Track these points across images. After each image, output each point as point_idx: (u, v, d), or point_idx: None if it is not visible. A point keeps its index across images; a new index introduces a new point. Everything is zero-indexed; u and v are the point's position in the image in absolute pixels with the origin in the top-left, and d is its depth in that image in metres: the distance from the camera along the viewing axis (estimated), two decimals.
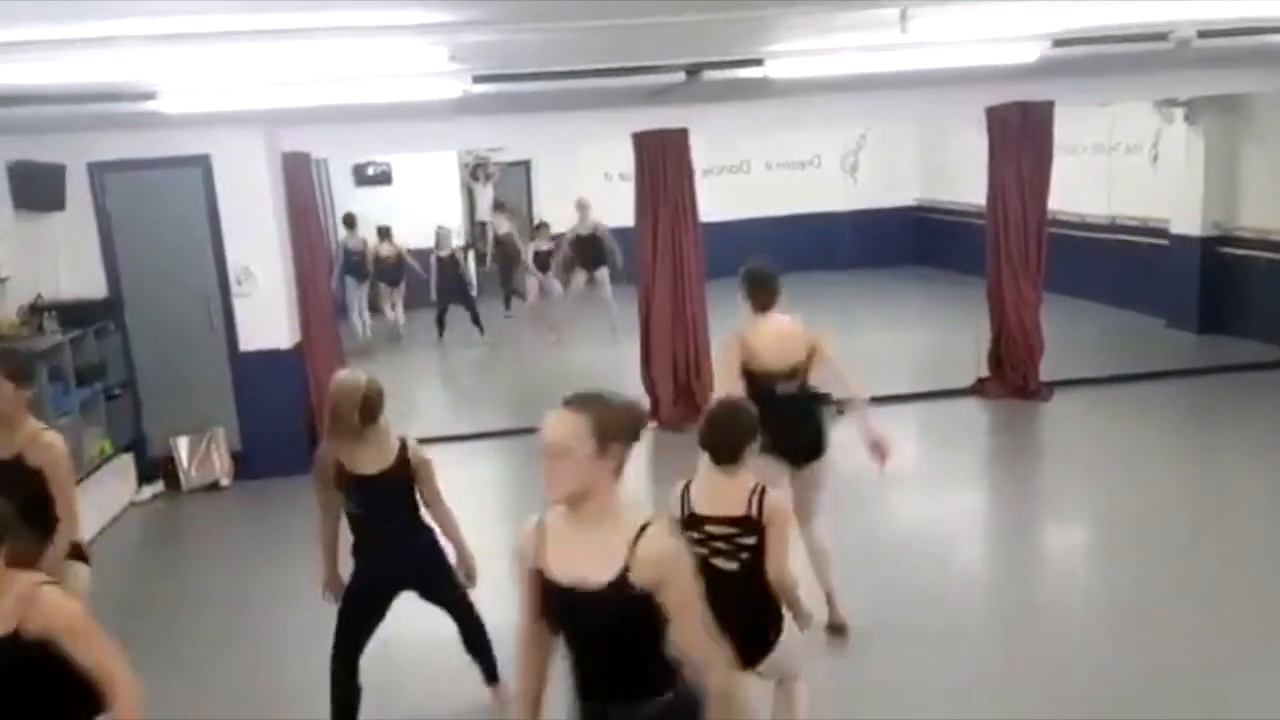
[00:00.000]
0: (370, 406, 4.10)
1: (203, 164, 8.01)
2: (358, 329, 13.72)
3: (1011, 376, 9.25)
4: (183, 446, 8.17)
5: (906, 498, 7.10)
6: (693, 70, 6.35)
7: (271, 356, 8.20)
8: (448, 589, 4.42)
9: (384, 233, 13.90)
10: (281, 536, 7.08)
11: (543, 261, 13.76)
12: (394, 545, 4.21)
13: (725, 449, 3.59)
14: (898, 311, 12.75)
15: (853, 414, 4.91)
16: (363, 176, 15.93)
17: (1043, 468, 6.98)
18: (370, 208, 15.40)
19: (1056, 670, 4.75)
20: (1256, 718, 4.36)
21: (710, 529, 3.54)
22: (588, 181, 16.02)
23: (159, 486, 8.16)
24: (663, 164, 8.82)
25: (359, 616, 4.25)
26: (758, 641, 3.52)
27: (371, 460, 4.14)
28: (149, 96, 5.80)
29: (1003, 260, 9.16)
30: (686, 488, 3.66)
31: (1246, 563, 5.79)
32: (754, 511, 3.52)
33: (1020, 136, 8.91)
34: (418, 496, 4.29)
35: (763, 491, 3.57)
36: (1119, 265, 12.08)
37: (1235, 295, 10.68)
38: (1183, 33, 6.17)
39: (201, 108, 6.18)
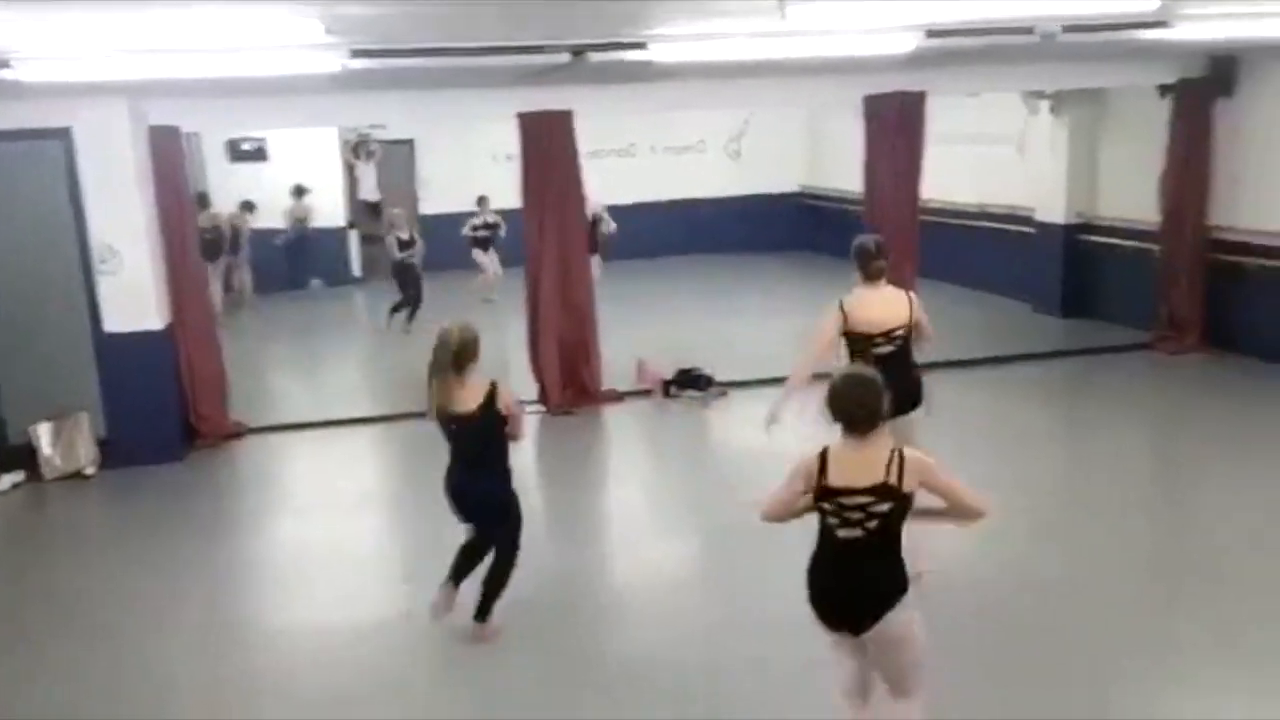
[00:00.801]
0: (463, 354, 4.66)
1: (64, 137, 7.61)
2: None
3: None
4: (44, 433, 7.78)
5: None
6: (577, 51, 6.33)
7: (140, 338, 7.88)
8: (497, 529, 4.96)
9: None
10: (151, 527, 6.86)
11: (483, 241, 13.71)
12: (464, 479, 4.81)
13: (860, 417, 3.46)
14: (783, 296, 12.98)
15: None
16: (237, 152, 15.41)
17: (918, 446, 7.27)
18: (245, 184, 14.98)
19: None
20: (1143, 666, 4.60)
21: (843, 500, 3.45)
22: (474, 162, 15.89)
23: (19, 476, 7.77)
24: (548, 145, 8.77)
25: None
26: (876, 605, 3.45)
27: (463, 401, 4.67)
28: (4, 64, 5.50)
29: None
30: (824, 455, 3.52)
31: (1117, 528, 6.11)
32: (893, 478, 3.41)
33: (895, 125, 9.16)
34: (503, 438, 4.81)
35: (901, 456, 3.45)
36: (988, 252, 12.54)
37: (1096, 281, 11.22)
38: (1047, 27, 6.43)
39: (62, 77, 5.89)
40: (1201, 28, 6.79)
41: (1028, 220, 11.87)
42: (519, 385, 9.18)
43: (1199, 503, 6.60)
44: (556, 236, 8.92)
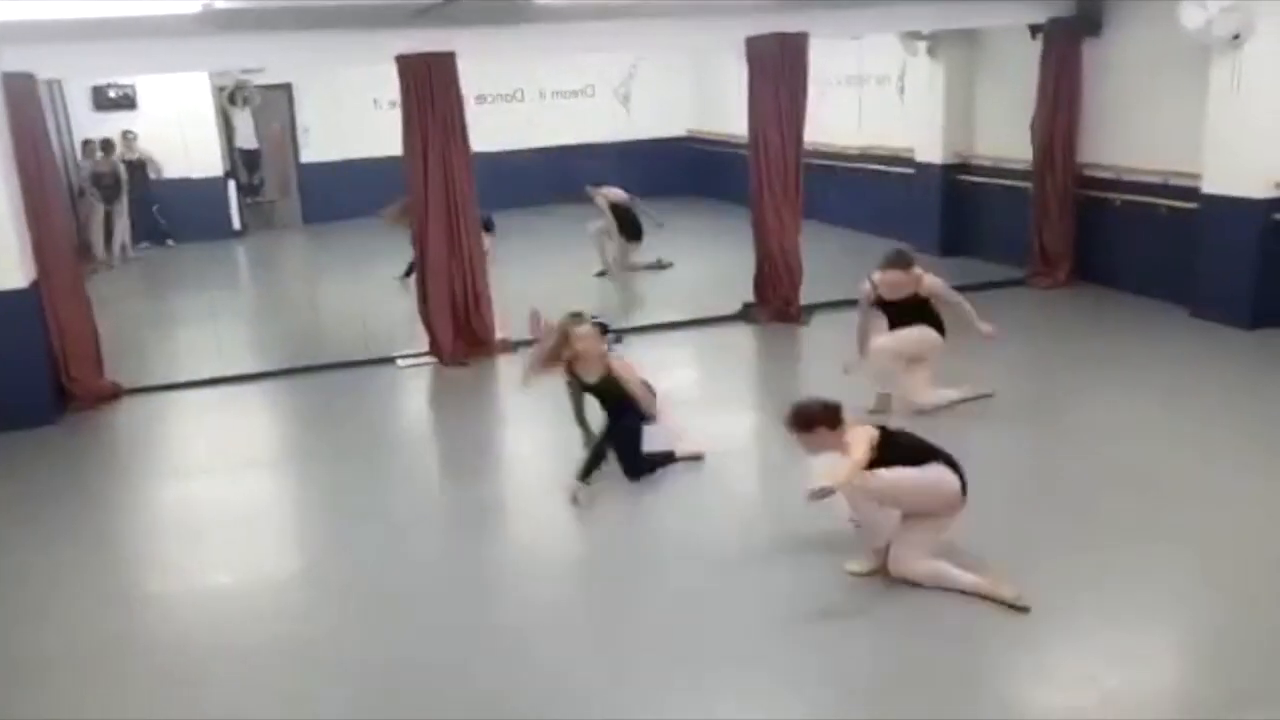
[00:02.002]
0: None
1: None
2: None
3: (774, 301, 9.67)
4: None
5: (689, 417, 7.39)
6: None
7: (1, 298, 7.53)
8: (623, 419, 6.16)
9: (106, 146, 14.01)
10: (20, 495, 6.55)
11: None
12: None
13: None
14: (673, 241, 13.02)
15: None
16: (103, 100, 14.70)
17: (799, 387, 7.40)
18: (113, 133, 14.33)
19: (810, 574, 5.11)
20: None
21: None
22: (355, 107, 15.50)
23: None
24: (430, 89, 8.57)
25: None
26: None
27: (590, 372, 6.18)
28: None
29: (764, 189, 9.50)
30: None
31: (1008, 464, 6.30)
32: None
33: (777, 67, 9.22)
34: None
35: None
36: (871, 193, 12.80)
37: (974, 220, 11.56)
38: None
39: None
40: None
41: (908, 161, 12.14)
42: (410, 336, 9.12)
43: (1077, 420, 6.91)
44: (442, 184, 8.75)
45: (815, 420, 4.72)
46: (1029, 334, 8.97)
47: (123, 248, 14.27)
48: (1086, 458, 6.19)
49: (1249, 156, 8.30)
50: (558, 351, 6.22)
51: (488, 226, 11.50)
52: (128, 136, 14.49)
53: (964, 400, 7.00)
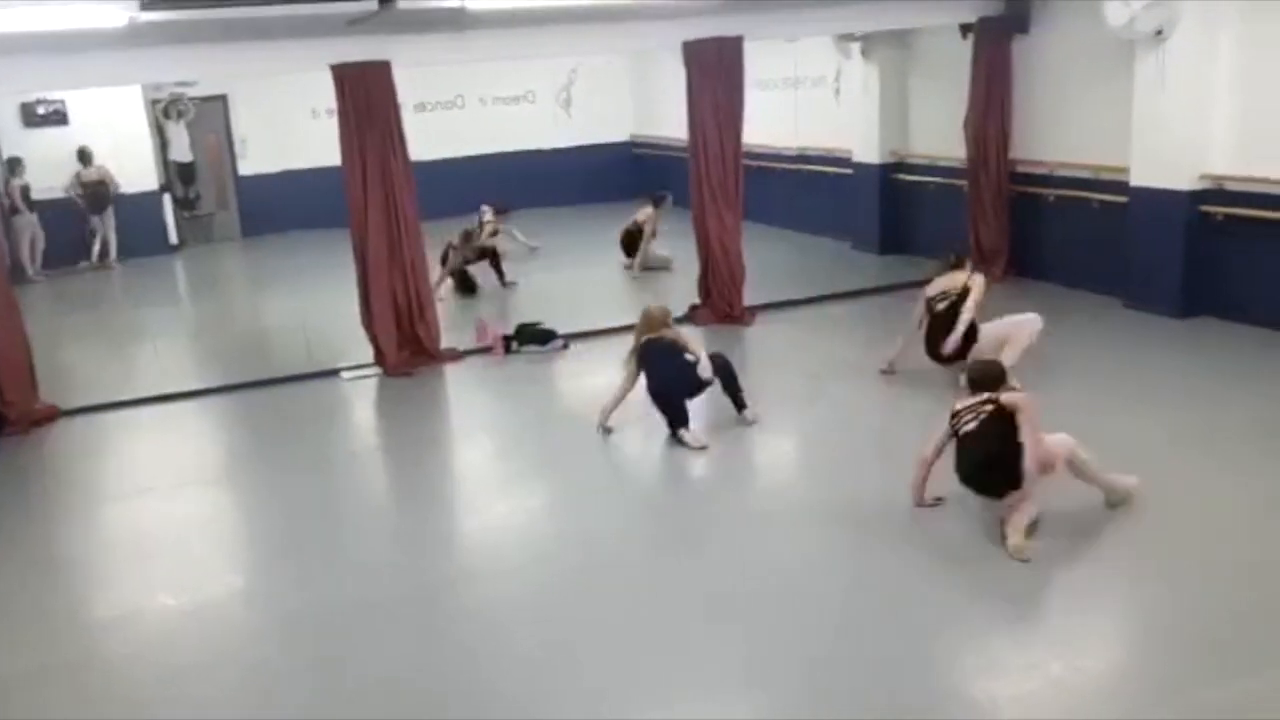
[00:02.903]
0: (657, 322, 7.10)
1: None
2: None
3: (719, 303, 9.73)
4: None
5: (640, 421, 7.42)
6: None
7: None
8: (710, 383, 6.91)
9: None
10: None
11: None
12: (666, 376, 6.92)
13: (984, 385, 5.26)
14: (617, 247, 13.06)
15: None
16: (32, 117, 14.38)
17: (749, 387, 7.47)
18: (44, 151, 14.04)
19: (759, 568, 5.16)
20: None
21: (963, 414, 5.25)
22: (293, 117, 15.34)
23: None
24: (366, 98, 8.52)
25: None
26: (998, 477, 5.10)
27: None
28: None
29: (705, 192, 9.57)
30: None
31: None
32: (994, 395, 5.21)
33: (715, 71, 9.30)
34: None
35: (1008, 395, 5.19)
36: (810, 194, 12.95)
37: (911, 218, 11.74)
38: None
39: None
40: None
41: (845, 161, 12.29)
42: (354, 348, 9.03)
43: None
44: (382, 193, 8.70)
45: (999, 381, 5.28)
46: None
47: (104, 255, 14.43)
48: None
49: (1174, 149, 8.52)
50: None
51: (657, 202, 11.91)
52: (86, 153, 14.25)
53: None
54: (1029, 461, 5.02)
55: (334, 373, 8.84)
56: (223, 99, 15.91)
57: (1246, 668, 4.09)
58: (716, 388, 6.96)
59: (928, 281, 7.74)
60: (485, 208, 12.26)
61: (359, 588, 5.24)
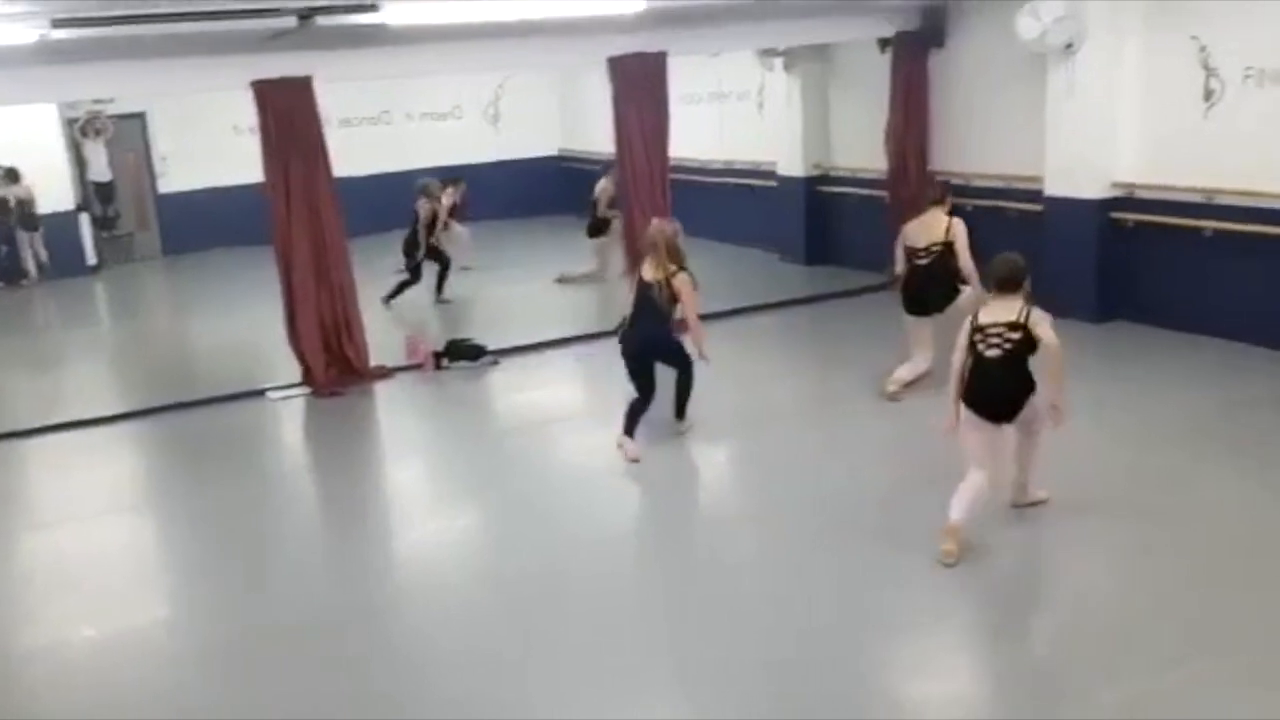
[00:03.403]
0: (670, 248, 6.67)
1: None
2: None
3: None
4: None
5: (573, 435, 7.49)
6: (305, 15, 6.13)
7: None
8: (674, 360, 6.81)
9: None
10: None
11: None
12: (644, 330, 6.71)
13: (1010, 281, 5.22)
14: (548, 260, 13.08)
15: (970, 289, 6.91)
16: None
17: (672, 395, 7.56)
18: None
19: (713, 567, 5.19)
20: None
21: (989, 330, 5.17)
22: (214, 135, 15.08)
23: None
24: (288, 115, 8.42)
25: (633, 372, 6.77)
26: (1014, 403, 5.17)
27: (652, 273, 6.66)
28: None
29: (634, 205, 9.63)
30: (975, 316, 5.27)
31: (859, 457, 6.59)
32: (1022, 318, 5.13)
33: (640, 86, 9.37)
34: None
35: (1035, 310, 5.19)
36: (737, 206, 13.07)
37: (836, 229, 11.92)
38: None
39: None
40: None
41: (771, 174, 12.44)
42: (281, 367, 8.89)
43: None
44: (305, 210, 8.59)
45: (1025, 275, 5.30)
46: (892, 336, 9.29)
47: (24, 275, 14.31)
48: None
49: (1086, 159, 8.80)
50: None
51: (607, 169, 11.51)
52: (11, 174, 13.94)
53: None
54: (1046, 401, 5.15)
55: (260, 393, 8.70)
56: (141, 116, 15.59)
57: (1143, 669, 4.20)
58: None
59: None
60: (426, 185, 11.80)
61: (286, 613, 5.17)
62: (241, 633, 5.00)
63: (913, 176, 10.45)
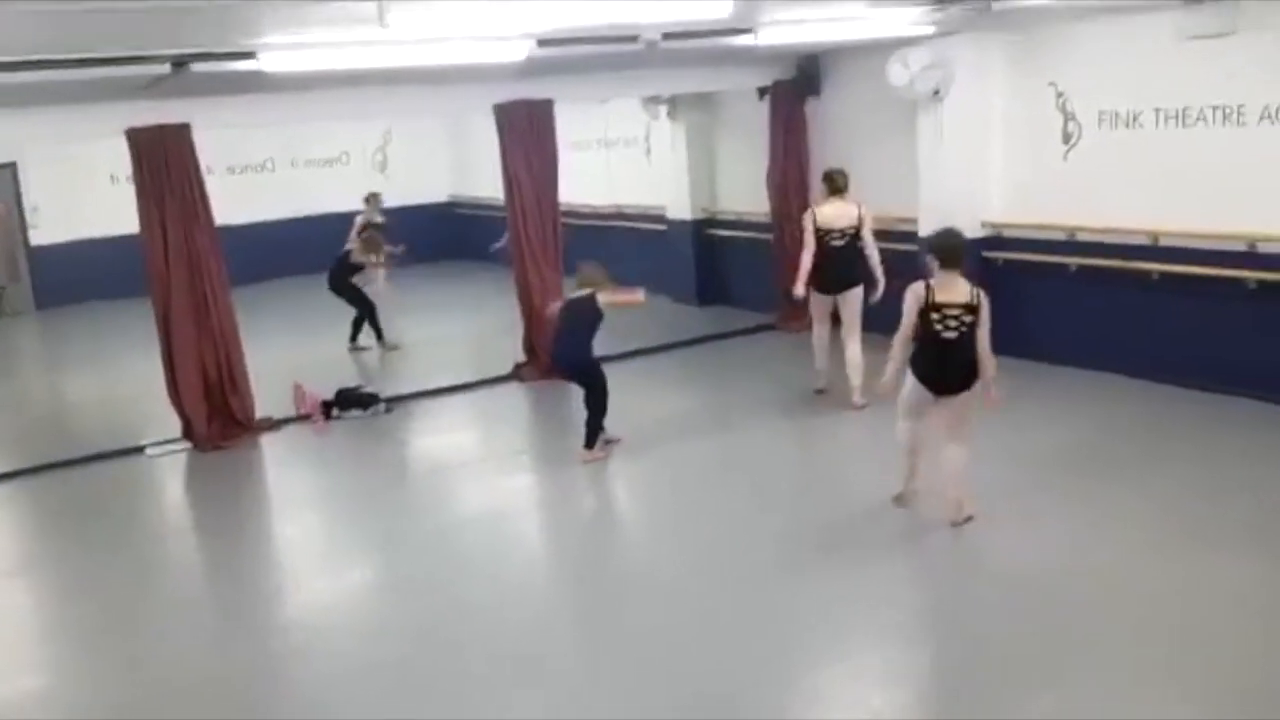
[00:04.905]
0: (594, 279, 7.41)
1: None
2: None
3: (544, 359, 9.76)
4: None
5: (470, 480, 7.43)
6: (179, 62, 6.03)
7: None
8: (585, 380, 7.39)
9: None
10: None
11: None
12: (564, 346, 7.50)
13: (952, 256, 5.50)
14: (440, 307, 13.00)
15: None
16: None
17: (574, 442, 7.56)
18: None
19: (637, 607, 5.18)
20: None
21: (946, 310, 5.47)
22: (90, 184, 14.65)
23: None
24: (164, 162, 8.25)
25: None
26: (964, 381, 5.56)
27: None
28: None
29: (525, 250, 9.67)
30: (928, 286, 5.52)
31: (769, 497, 6.70)
32: (975, 300, 5.48)
33: (527, 132, 9.46)
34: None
35: (980, 291, 5.52)
36: (628, 250, 13.17)
37: (725, 271, 12.16)
38: (649, 35, 6.92)
39: None
40: (782, 33, 7.59)
41: (659, 218, 12.65)
42: (160, 422, 8.60)
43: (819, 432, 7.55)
44: (185, 259, 8.40)
45: (965, 249, 5.69)
46: (777, 371, 9.53)
47: None
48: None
49: (956, 200, 9.15)
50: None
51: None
52: None
53: None
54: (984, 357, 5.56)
55: (139, 450, 8.42)
56: (12, 166, 15.05)
57: (1041, 683, 4.38)
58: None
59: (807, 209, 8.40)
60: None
61: (169, 676, 4.99)
62: (119, 702, 4.81)
63: (795, 218, 10.70)
